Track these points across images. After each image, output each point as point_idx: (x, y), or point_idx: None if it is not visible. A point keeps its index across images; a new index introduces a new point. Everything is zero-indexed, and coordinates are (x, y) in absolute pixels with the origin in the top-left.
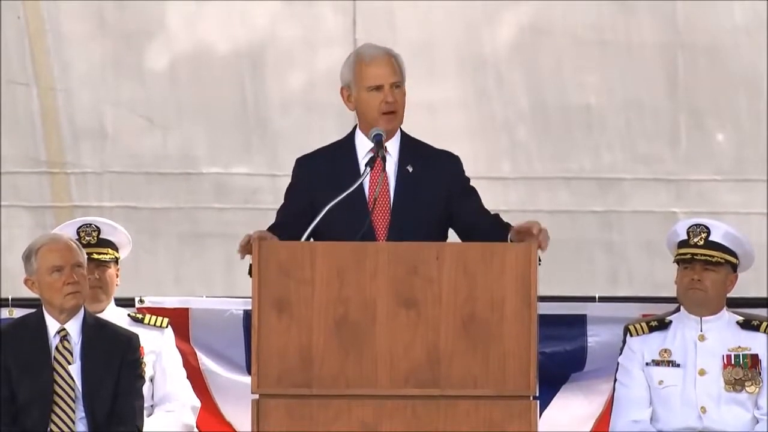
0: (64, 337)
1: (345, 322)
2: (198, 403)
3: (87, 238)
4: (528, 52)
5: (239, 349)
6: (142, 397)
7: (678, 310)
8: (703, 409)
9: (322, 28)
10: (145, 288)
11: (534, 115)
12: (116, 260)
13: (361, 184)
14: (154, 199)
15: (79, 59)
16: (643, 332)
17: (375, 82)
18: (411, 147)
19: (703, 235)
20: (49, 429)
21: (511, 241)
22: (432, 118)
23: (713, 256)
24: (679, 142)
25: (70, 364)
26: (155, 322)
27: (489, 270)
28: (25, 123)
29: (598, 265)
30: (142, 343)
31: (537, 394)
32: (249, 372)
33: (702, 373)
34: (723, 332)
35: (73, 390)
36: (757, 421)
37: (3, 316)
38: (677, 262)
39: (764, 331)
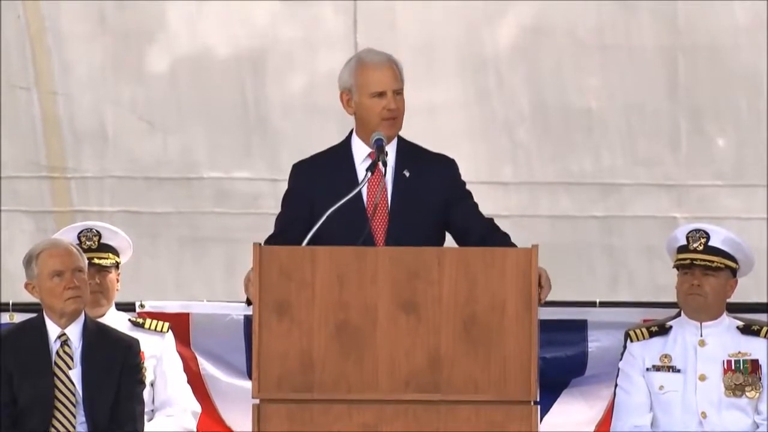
0: (65, 341)
1: (346, 327)
2: (198, 408)
3: (88, 243)
4: (528, 54)
5: (240, 353)
6: (142, 402)
7: (678, 315)
8: (704, 415)
9: (323, 29)
10: (145, 293)
11: (534, 117)
12: (117, 265)
13: (360, 190)
14: (155, 203)
15: (79, 61)
16: (644, 337)
17: (378, 88)
18: (408, 152)
19: (703, 241)
20: None
21: None
22: (432, 119)
23: (713, 262)
24: (679, 145)
25: (70, 368)
26: (156, 326)
27: (489, 274)
28: (26, 127)
29: (599, 270)
30: (143, 347)
31: (538, 399)
32: (249, 377)
33: (702, 378)
34: (723, 337)
35: (74, 395)
36: (758, 426)
37: (3, 321)
38: (677, 267)
39: (764, 336)
